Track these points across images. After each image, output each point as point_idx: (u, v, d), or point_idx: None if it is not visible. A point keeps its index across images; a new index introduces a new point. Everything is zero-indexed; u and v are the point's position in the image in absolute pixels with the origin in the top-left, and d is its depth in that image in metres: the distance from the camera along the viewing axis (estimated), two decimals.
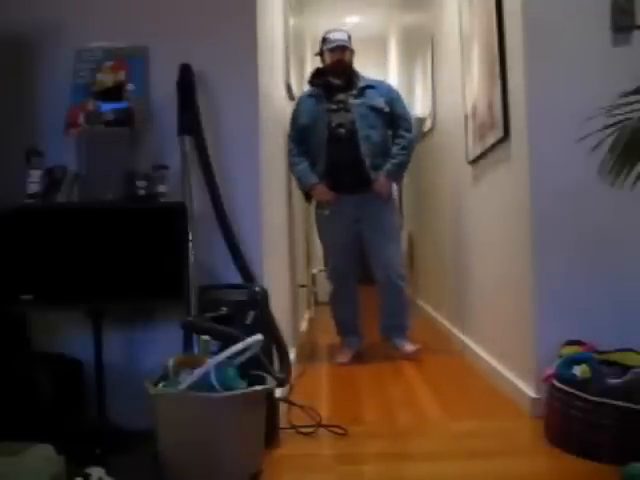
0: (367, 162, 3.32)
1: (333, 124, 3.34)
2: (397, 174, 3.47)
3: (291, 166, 3.45)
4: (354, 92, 3.41)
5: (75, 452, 1.74)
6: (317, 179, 3.36)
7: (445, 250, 4.18)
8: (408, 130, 3.47)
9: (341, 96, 3.40)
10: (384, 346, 3.55)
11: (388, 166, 3.36)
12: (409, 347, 3.43)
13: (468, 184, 3.40)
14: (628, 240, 2.28)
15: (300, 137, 3.42)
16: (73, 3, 2.31)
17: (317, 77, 3.54)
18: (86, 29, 2.29)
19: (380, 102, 3.40)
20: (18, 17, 2.29)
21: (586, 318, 2.24)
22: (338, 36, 3.50)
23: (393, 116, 3.43)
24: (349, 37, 3.53)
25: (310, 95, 3.50)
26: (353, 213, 3.38)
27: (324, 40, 3.54)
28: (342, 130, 3.33)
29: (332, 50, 3.46)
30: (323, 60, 3.56)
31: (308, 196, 3.55)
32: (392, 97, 3.48)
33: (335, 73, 3.45)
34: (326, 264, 3.61)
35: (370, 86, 3.46)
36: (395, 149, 3.41)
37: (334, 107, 3.38)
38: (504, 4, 2.54)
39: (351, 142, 3.31)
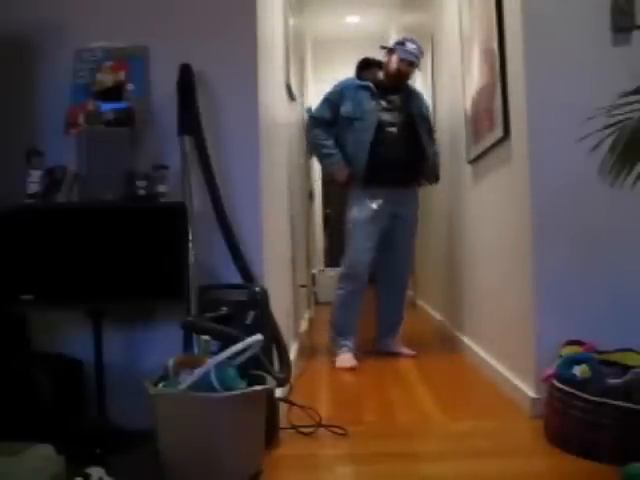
0: (425, 159, 3.47)
1: (384, 122, 3.36)
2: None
3: (317, 139, 3.44)
4: (403, 95, 3.49)
5: (75, 452, 1.74)
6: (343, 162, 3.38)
7: (445, 250, 4.18)
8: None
9: (391, 97, 3.43)
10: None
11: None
12: (406, 350, 3.53)
13: (468, 184, 3.40)
14: (628, 240, 2.28)
15: (332, 123, 3.42)
16: (74, 3, 2.31)
17: (364, 69, 3.52)
18: (86, 29, 2.29)
19: (425, 111, 3.58)
20: (19, 17, 2.29)
21: (586, 318, 2.24)
22: (415, 50, 3.45)
23: (430, 127, 3.61)
24: (422, 53, 3.52)
25: (362, 87, 3.43)
26: (390, 210, 3.41)
27: (401, 43, 3.48)
28: (393, 129, 3.38)
29: (403, 60, 3.42)
30: (388, 60, 3.49)
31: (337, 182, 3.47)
32: (429, 110, 3.75)
33: (392, 78, 3.45)
34: (349, 257, 3.40)
35: (415, 91, 3.63)
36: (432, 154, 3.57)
37: (387, 106, 3.40)
38: (504, 4, 2.54)
39: (403, 141, 3.38)
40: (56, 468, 1.63)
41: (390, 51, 3.51)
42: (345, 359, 3.30)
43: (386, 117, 3.39)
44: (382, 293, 3.57)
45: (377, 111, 3.37)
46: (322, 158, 3.48)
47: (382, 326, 3.58)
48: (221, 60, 2.28)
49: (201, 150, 2.19)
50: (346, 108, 3.39)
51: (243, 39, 2.30)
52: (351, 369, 3.21)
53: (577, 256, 2.28)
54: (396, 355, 3.49)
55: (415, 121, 3.45)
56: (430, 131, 3.60)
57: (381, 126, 3.35)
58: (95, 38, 2.26)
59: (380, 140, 3.33)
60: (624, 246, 2.28)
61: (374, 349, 3.55)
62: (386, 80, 3.48)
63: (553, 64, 2.28)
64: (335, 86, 3.53)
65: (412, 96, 3.56)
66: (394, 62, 3.46)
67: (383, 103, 3.41)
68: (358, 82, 3.48)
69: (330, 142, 3.40)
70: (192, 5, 2.30)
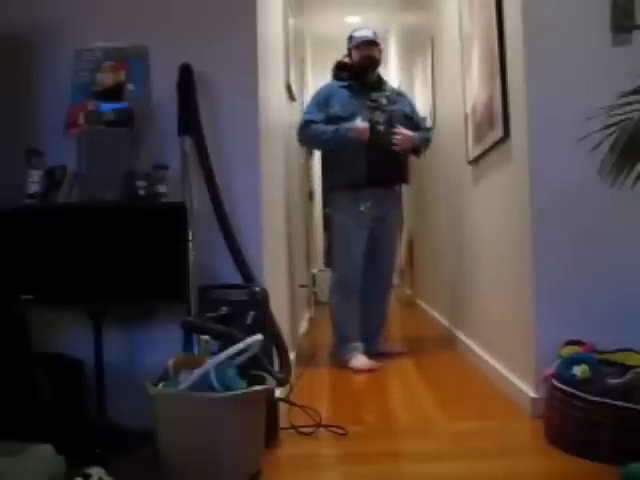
0: (405, 162, 3.47)
1: (372, 121, 3.32)
2: (421, 141, 3.52)
3: (318, 132, 3.31)
4: (387, 94, 3.47)
5: (75, 452, 1.74)
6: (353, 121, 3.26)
7: (445, 250, 4.18)
8: (430, 129, 3.78)
9: (375, 95, 3.41)
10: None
11: (417, 133, 3.48)
12: (396, 347, 3.53)
13: (468, 184, 3.40)
14: (628, 240, 2.28)
15: (327, 124, 3.32)
16: (73, 3, 2.31)
17: (342, 71, 3.50)
18: (86, 29, 2.29)
19: (409, 111, 3.54)
20: (18, 17, 2.29)
21: (586, 318, 2.24)
22: (364, 33, 3.49)
23: (416, 124, 3.55)
24: (375, 34, 3.50)
25: (342, 87, 3.41)
26: (377, 212, 3.35)
27: (350, 38, 3.51)
28: (380, 127, 3.34)
29: (358, 46, 3.43)
30: (351, 59, 3.51)
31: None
32: (414, 108, 3.67)
33: (364, 69, 3.43)
34: (333, 269, 3.43)
35: (399, 94, 3.63)
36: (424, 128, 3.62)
37: (371, 104, 3.37)
38: (504, 4, 2.54)
39: (388, 142, 3.32)
40: (56, 468, 1.63)
41: (348, 52, 3.53)
42: (362, 360, 3.20)
43: (373, 116, 3.34)
44: (368, 295, 3.45)
45: (364, 109, 3.33)
46: (333, 135, 3.28)
47: (370, 328, 3.49)
48: (221, 60, 2.28)
49: (201, 150, 2.19)
50: (335, 108, 3.33)
51: (243, 39, 2.30)
52: (371, 370, 3.12)
53: (577, 256, 2.28)
54: (388, 355, 3.43)
55: (393, 122, 3.40)
56: (415, 129, 3.51)
57: (371, 125, 3.30)
58: (95, 38, 2.26)
59: (370, 140, 3.28)
60: (624, 246, 2.28)
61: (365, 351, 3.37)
62: (362, 75, 3.43)
63: (553, 64, 2.28)
64: (320, 89, 3.52)
65: (395, 96, 3.54)
66: (355, 54, 3.46)
67: (367, 102, 3.37)
68: (339, 83, 3.46)
69: (326, 126, 3.30)
70: (192, 5, 2.30)
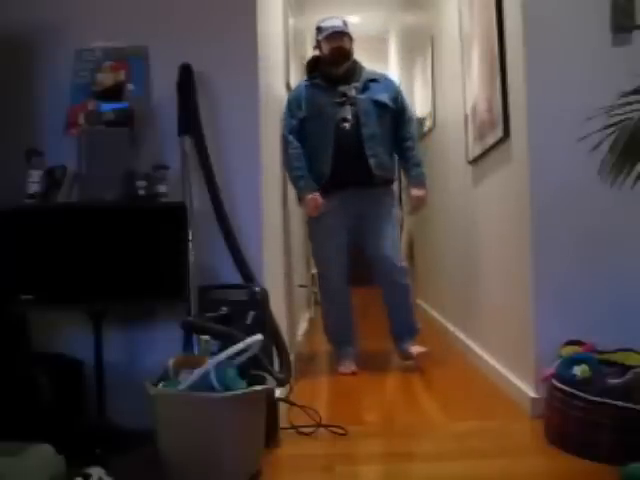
0: (371, 160, 3.15)
1: (338, 118, 3.14)
2: (424, 177, 3.35)
3: (289, 162, 3.17)
4: (357, 85, 3.23)
5: (75, 452, 1.74)
6: (315, 188, 3.11)
7: (445, 249, 4.18)
8: (412, 127, 3.39)
9: (343, 88, 3.20)
10: (385, 350, 3.49)
11: (416, 173, 3.30)
12: (415, 348, 3.22)
13: (468, 184, 3.40)
14: (628, 240, 2.28)
15: (299, 129, 3.17)
16: (73, 3, 2.31)
17: (313, 68, 3.34)
18: (86, 29, 2.29)
19: (384, 97, 3.22)
20: (18, 17, 2.29)
21: (586, 318, 2.24)
22: (333, 22, 3.29)
23: (396, 112, 3.27)
24: (345, 23, 3.30)
25: (309, 85, 3.26)
26: (353, 210, 3.19)
27: (318, 30, 3.32)
28: (346, 125, 3.14)
29: (328, 38, 3.24)
30: (321, 52, 3.32)
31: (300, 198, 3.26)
32: (396, 93, 3.33)
33: (334, 62, 3.23)
34: (317, 268, 3.35)
35: (373, 79, 3.28)
36: (410, 153, 3.31)
37: (337, 100, 3.17)
38: (504, 4, 2.54)
39: (355, 138, 3.13)
40: (56, 468, 1.63)
41: (317, 44, 3.34)
42: (345, 365, 3.17)
43: (338, 112, 3.15)
44: (386, 296, 3.29)
45: (330, 106, 3.15)
46: (291, 174, 3.20)
47: (399, 329, 3.31)
48: (221, 60, 2.28)
49: (201, 150, 2.19)
50: (303, 111, 3.18)
51: (243, 39, 2.30)
52: (352, 374, 3.09)
53: (577, 256, 2.28)
54: (416, 357, 3.20)
55: (359, 115, 3.14)
56: (397, 118, 3.28)
57: (336, 122, 3.13)
58: (95, 38, 2.26)
59: (335, 138, 3.13)
60: (624, 246, 2.28)
61: (396, 350, 3.32)
62: (335, 67, 3.24)
63: (553, 64, 2.28)
64: (289, 95, 3.38)
65: (371, 84, 3.26)
66: (324, 46, 3.26)
67: (334, 97, 3.18)
68: (306, 82, 3.29)
69: (299, 161, 3.14)
70: (192, 5, 2.30)
